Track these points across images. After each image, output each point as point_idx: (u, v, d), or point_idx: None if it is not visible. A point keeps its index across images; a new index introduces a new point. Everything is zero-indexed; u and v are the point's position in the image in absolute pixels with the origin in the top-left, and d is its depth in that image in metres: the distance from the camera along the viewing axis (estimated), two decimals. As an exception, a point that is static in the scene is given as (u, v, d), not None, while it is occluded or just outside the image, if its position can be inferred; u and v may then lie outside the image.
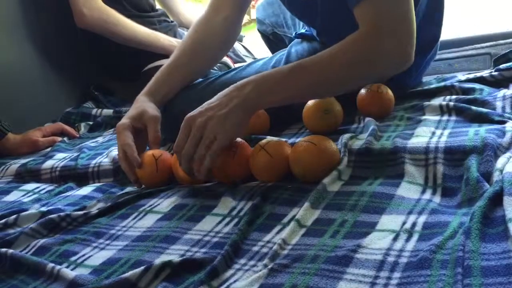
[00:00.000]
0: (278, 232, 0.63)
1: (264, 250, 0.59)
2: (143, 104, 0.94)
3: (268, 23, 1.39)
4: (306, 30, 1.16)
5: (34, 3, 1.54)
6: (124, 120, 0.90)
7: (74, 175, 1.01)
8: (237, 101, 0.76)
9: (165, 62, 1.49)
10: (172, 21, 1.67)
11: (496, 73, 1.02)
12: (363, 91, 0.95)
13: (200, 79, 1.09)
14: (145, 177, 0.87)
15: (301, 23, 1.27)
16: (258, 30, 1.41)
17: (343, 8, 0.82)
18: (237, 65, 1.46)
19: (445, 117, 0.86)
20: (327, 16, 0.96)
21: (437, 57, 1.18)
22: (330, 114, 0.91)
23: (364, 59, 0.77)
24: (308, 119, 0.93)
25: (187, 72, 1.03)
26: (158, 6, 1.70)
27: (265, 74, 0.79)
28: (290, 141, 0.87)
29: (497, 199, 0.56)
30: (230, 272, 0.56)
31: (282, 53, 1.08)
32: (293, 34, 1.15)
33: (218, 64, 1.46)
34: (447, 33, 1.16)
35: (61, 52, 1.61)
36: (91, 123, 1.43)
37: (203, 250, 0.62)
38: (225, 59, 1.54)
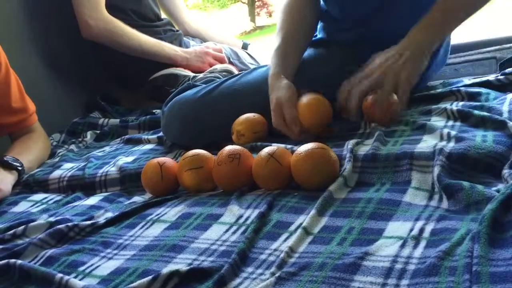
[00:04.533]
0: (285, 240, 0.63)
1: (271, 258, 0.59)
2: (284, 86, 0.95)
3: None
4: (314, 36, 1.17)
5: (41, 14, 1.56)
6: (284, 98, 0.93)
7: (82, 185, 1.02)
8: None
9: (172, 71, 1.52)
10: (177, 30, 1.68)
11: (502, 77, 1.02)
12: (368, 97, 0.95)
13: (204, 86, 1.10)
14: (150, 185, 0.87)
15: None
16: None
17: None
18: (242, 72, 1.47)
19: (450, 122, 0.86)
20: None
21: (443, 62, 1.18)
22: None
23: None
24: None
25: (299, 48, 1.07)
26: (163, 15, 1.71)
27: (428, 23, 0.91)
28: (295, 148, 0.87)
29: (508, 203, 0.56)
30: (238, 280, 0.56)
31: None
32: None
33: (223, 72, 1.46)
34: (452, 38, 1.16)
35: (68, 63, 1.63)
36: (98, 131, 1.44)
37: (211, 258, 0.62)
38: (230, 66, 1.54)
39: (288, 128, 0.93)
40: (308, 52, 1.09)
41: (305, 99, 0.93)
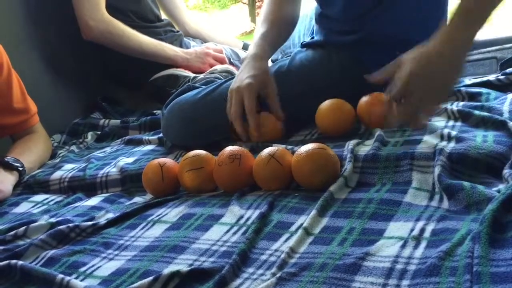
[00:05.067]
0: (286, 241, 0.63)
1: (272, 258, 0.59)
2: (266, 69, 1.00)
3: (280, 49, 1.40)
4: (311, 38, 1.17)
5: (42, 15, 1.56)
6: (251, 80, 0.95)
7: (83, 186, 1.02)
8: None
9: (173, 71, 1.52)
10: (177, 31, 1.68)
11: (502, 77, 1.02)
12: (364, 99, 0.94)
13: (204, 87, 1.10)
14: (151, 185, 0.87)
15: (305, 37, 1.29)
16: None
17: None
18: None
19: (451, 123, 0.86)
20: None
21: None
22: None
23: None
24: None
25: (279, 40, 1.13)
26: (163, 16, 1.71)
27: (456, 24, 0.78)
28: (295, 148, 0.87)
29: (508, 203, 0.56)
30: (239, 281, 0.56)
31: (285, 60, 1.09)
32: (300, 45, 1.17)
33: (223, 73, 1.47)
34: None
35: (68, 64, 1.62)
36: (98, 132, 1.44)
37: (211, 259, 0.62)
38: (230, 67, 1.54)
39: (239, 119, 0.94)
40: (306, 53, 1.09)
41: (328, 102, 0.93)
